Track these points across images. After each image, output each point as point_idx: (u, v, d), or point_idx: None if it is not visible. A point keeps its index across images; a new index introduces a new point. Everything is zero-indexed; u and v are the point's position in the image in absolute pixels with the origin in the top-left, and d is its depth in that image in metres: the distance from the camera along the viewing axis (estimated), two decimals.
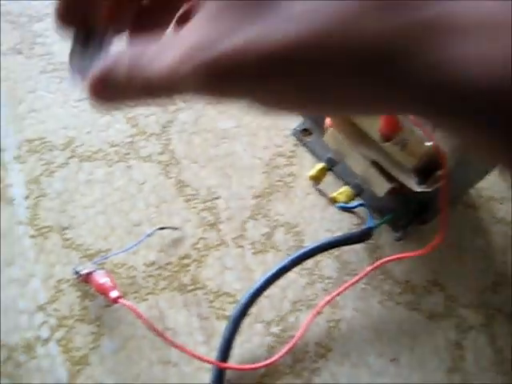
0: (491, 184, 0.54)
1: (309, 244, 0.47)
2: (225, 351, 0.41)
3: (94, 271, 0.41)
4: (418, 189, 0.44)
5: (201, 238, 0.45)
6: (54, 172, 0.45)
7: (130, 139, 0.48)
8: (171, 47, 0.21)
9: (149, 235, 0.43)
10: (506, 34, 0.16)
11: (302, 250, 0.43)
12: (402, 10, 0.18)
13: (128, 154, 0.47)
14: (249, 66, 0.18)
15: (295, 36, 0.18)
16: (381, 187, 0.46)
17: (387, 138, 0.43)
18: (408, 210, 0.50)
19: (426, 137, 0.41)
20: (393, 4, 0.18)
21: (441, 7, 0.17)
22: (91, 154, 0.46)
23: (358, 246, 0.48)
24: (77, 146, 0.46)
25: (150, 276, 0.43)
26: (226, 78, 0.19)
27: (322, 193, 0.46)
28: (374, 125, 0.43)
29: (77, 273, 0.41)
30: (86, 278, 0.40)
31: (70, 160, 0.46)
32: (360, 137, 0.46)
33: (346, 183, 0.50)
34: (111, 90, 0.23)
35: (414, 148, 0.42)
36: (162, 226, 0.44)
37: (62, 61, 0.50)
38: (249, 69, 0.19)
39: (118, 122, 0.48)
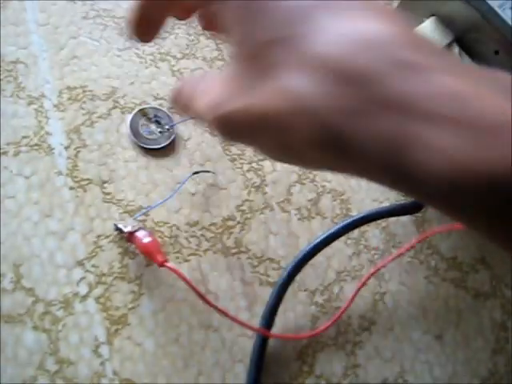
0: None
1: (355, 213, 0.45)
2: (269, 318, 0.39)
3: (137, 230, 0.38)
4: None
5: (246, 200, 0.43)
6: (95, 122, 0.43)
7: None
8: (206, 93, 0.26)
9: (184, 183, 0.41)
10: (473, 134, 0.17)
11: (352, 218, 0.41)
12: (363, 88, 0.18)
13: (172, 108, 0.45)
14: (245, 123, 0.22)
15: (273, 107, 0.21)
16: None
17: None
18: None
19: None
20: (354, 84, 0.19)
21: (408, 86, 0.18)
22: (134, 106, 0.44)
23: (404, 219, 0.46)
24: (119, 97, 0.44)
25: (192, 236, 0.41)
26: (231, 129, 0.24)
27: None
28: None
29: (117, 229, 0.39)
30: (129, 237, 0.39)
31: (112, 111, 0.43)
32: None
33: None
34: (181, 106, 0.29)
35: None
36: (200, 178, 0.42)
37: (106, 8, 0.47)
38: (244, 125, 0.22)
39: (164, 75, 0.46)
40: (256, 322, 0.40)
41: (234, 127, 0.23)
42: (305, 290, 0.42)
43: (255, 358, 0.38)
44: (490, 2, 0.40)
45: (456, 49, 0.41)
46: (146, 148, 0.43)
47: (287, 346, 0.40)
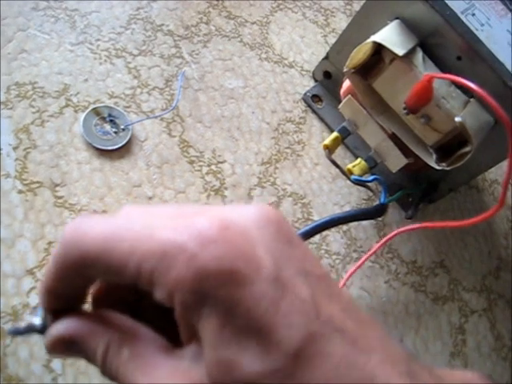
0: (496, 167, 0.52)
1: (317, 217, 0.44)
2: None
3: None
4: (437, 167, 0.41)
5: (205, 204, 0.42)
6: (46, 121, 0.40)
7: (130, 91, 0.43)
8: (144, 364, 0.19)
9: None
10: None
11: (316, 222, 0.41)
12: None
13: (129, 106, 0.43)
14: None
15: None
16: (396, 162, 0.43)
17: (412, 110, 0.40)
18: (418, 188, 0.48)
19: (456, 112, 0.39)
20: None
21: None
22: (88, 105, 0.42)
23: (365, 223, 0.46)
24: (72, 95, 0.42)
25: None
26: None
27: (335, 164, 0.43)
28: (399, 95, 0.41)
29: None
30: None
31: (64, 109, 0.41)
32: (381, 107, 0.43)
33: (356, 156, 0.47)
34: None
35: (440, 123, 0.40)
36: (157, 181, 0.40)
37: None
38: None
39: (119, 72, 0.43)
40: None
41: None
42: None
43: None
44: (453, 8, 0.39)
45: (420, 53, 0.40)
46: (100, 149, 0.41)
47: None
